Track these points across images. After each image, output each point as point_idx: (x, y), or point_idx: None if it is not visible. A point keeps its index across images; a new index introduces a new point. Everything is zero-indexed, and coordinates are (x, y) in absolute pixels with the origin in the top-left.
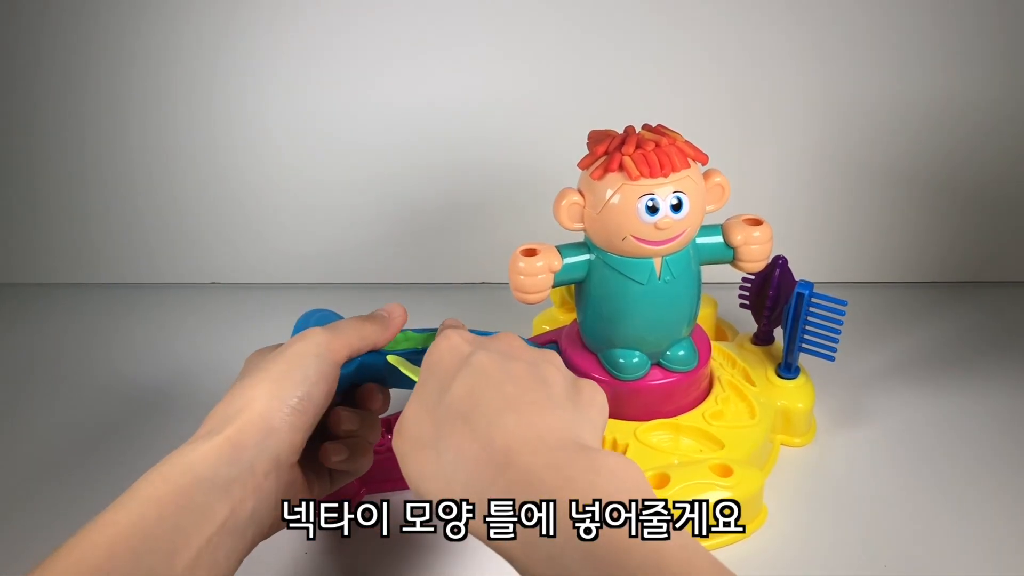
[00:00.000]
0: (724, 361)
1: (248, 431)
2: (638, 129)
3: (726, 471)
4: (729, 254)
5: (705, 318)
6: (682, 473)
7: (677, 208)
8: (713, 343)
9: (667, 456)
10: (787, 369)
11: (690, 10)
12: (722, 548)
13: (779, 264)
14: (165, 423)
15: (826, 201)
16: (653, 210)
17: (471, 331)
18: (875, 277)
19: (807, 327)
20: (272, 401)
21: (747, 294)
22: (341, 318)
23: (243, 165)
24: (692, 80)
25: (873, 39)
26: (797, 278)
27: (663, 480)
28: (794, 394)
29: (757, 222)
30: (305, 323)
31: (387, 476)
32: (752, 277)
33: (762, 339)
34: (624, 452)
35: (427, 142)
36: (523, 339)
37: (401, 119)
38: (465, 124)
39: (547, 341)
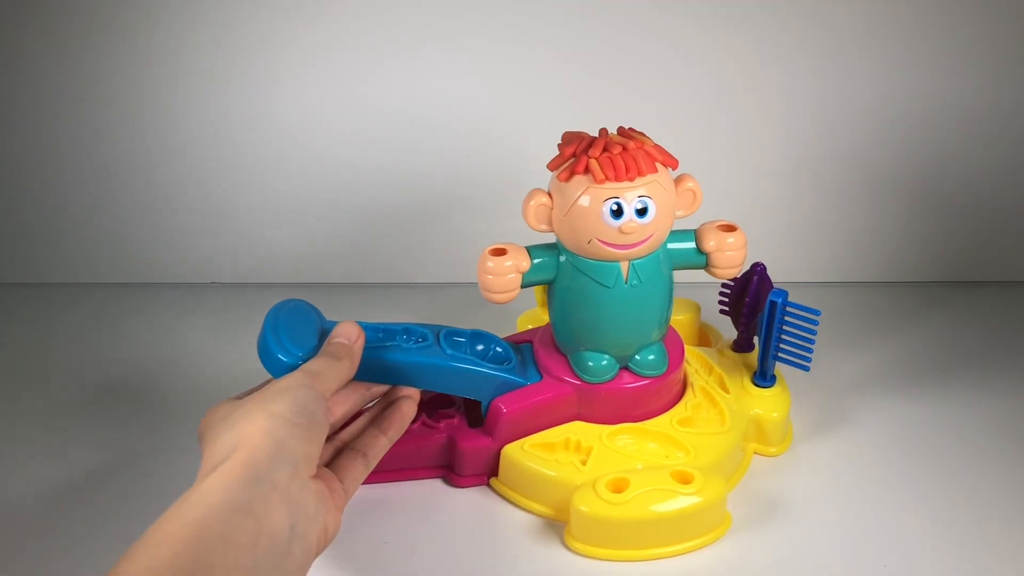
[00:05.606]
0: (701, 367)
1: (257, 449)
2: (613, 132)
3: (687, 478)
4: (701, 260)
5: (686, 323)
6: (642, 478)
7: (642, 213)
8: (692, 348)
9: (631, 460)
10: (762, 377)
11: (668, 12)
12: (683, 556)
13: (757, 271)
14: (164, 423)
15: (806, 202)
16: (617, 213)
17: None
18: (857, 277)
19: (782, 336)
20: (270, 420)
21: (727, 300)
22: (314, 309)
23: (242, 166)
24: (670, 83)
25: (854, 41)
26: (778, 279)
27: (622, 484)
28: (768, 403)
29: (731, 228)
30: (276, 314)
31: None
32: (731, 283)
33: (741, 346)
34: (588, 455)
35: (411, 143)
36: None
37: (391, 120)
38: (455, 126)
39: (522, 341)
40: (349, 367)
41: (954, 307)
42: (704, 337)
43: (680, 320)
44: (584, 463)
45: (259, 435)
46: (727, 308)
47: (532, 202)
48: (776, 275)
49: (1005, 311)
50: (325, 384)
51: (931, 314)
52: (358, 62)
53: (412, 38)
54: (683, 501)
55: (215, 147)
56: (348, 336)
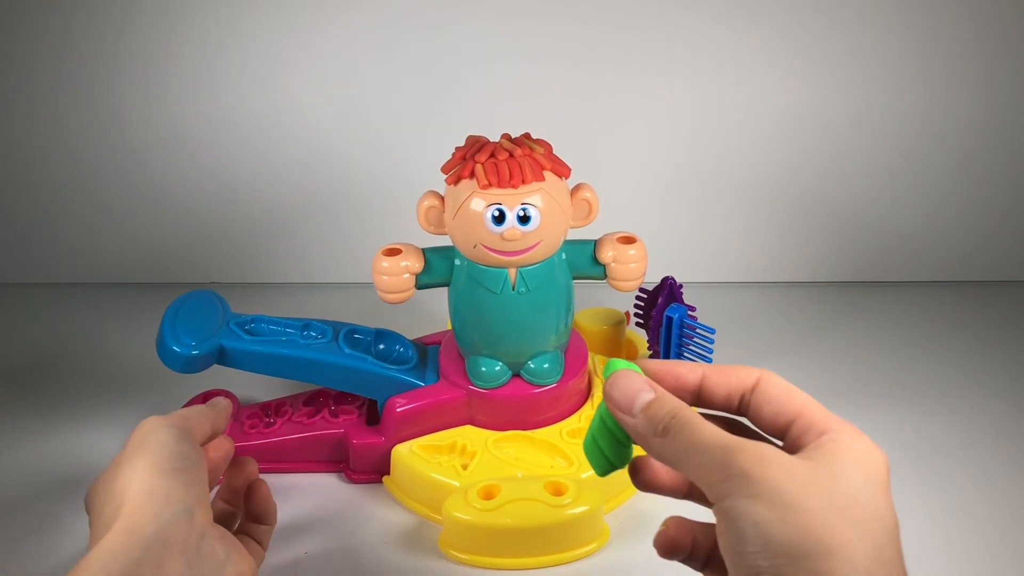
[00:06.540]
0: None
1: (137, 514)
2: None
3: (560, 489)
4: (600, 271)
5: (609, 333)
6: (513, 487)
7: (524, 220)
8: (605, 360)
9: (513, 468)
10: None
11: (567, 21)
12: (556, 567)
13: (667, 284)
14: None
15: (712, 207)
16: (500, 220)
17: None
18: (764, 278)
19: (682, 352)
20: (143, 475)
21: (640, 312)
22: (220, 301)
23: (241, 166)
24: (567, 91)
25: (748, 52)
26: (692, 279)
27: (493, 491)
28: None
29: (630, 240)
30: (178, 307)
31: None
32: (644, 295)
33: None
34: (472, 460)
35: (326, 144)
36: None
37: (305, 121)
38: (365, 126)
39: (432, 342)
40: (215, 415)
41: (865, 307)
42: (630, 349)
43: (604, 331)
44: (465, 468)
45: (137, 498)
46: (641, 321)
47: (424, 204)
48: (688, 276)
49: (907, 311)
50: (187, 422)
51: (848, 314)
52: (261, 61)
53: (310, 38)
54: (552, 512)
55: (213, 148)
56: (218, 402)
